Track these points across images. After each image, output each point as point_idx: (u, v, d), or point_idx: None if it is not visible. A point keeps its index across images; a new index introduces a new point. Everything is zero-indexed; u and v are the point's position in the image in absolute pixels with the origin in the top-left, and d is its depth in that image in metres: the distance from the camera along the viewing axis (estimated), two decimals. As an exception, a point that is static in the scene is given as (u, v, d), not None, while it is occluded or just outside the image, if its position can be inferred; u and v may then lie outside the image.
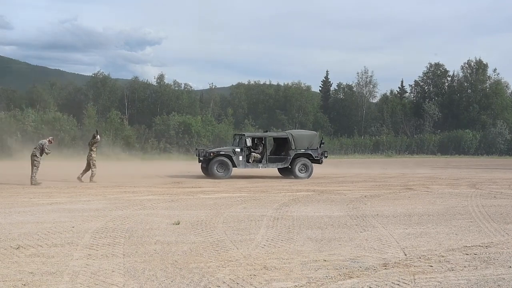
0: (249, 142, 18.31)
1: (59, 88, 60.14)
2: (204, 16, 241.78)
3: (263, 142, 18.89)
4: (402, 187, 15.14)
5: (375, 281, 4.92)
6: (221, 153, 18.06)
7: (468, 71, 67.82)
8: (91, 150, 16.16)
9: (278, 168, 19.21)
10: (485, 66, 66.95)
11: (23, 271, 5.11)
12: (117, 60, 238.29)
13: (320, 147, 19.13)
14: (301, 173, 18.48)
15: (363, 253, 6.12)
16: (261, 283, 4.79)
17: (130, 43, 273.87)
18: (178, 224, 7.95)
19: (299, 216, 9.02)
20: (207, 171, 18.13)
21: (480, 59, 67.31)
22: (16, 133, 37.49)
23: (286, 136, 18.87)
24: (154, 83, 62.80)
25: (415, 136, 62.03)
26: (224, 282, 4.80)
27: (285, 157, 18.72)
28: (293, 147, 18.51)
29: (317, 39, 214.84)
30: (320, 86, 73.73)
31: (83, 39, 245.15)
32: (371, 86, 68.47)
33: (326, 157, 19.46)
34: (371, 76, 68.34)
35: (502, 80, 68.19)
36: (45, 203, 10.59)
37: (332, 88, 72.42)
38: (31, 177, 14.85)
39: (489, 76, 67.50)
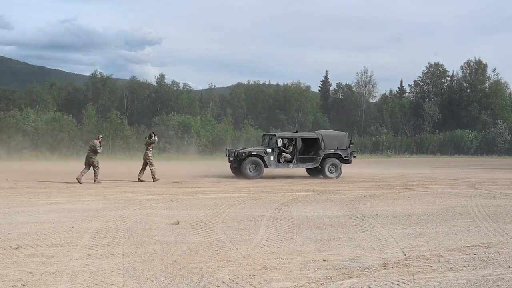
0: (280, 143, 18.46)
1: (59, 88, 60.13)
2: (204, 16, 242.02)
3: (293, 142, 19.03)
4: (401, 187, 15.15)
5: (375, 281, 4.92)
6: (253, 153, 18.22)
7: (468, 71, 67.92)
8: (147, 150, 16.68)
9: (306, 168, 19.38)
10: (485, 66, 67.07)
11: (23, 271, 5.11)
12: (117, 60, 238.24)
13: (349, 147, 19.27)
14: (331, 173, 18.65)
15: (362, 253, 6.12)
16: (261, 283, 4.79)
17: (130, 43, 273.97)
18: (178, 224, 7.95)
19: (298, 216, 9.02)
20: (239, 171, 18.29)
21: (479, 59, 67.50)
22: (16, 133, 37.52)
23: (316, 137, 19.00)
24: (154, 83, 62.90)
25: (414, 136, 62.07)
26: (223, 282, 4.80)
27: (315, 157, 18.85)
28: (323, 148, 18.64)
29: (316, 39, 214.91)
30: (319, 86, 73.87)
31: (83, 39, 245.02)
32: (371, 86, 68.75)
33: (355, 157, 19.69)
34: (370, 76, 68.63)
35: (502, 80, 68.38)
36: (45, 203, 10.59)
37: (331, 88, 72.60)
38: (94, 176, 15.61)
39: (488, 76, 67.63)
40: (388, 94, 71.72)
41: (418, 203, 11.12)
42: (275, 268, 5.34)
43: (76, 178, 15.45)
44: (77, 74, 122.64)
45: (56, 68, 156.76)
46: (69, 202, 10.86)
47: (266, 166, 18.17)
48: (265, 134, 21.38)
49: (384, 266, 5.50)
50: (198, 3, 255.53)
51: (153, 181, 16.23)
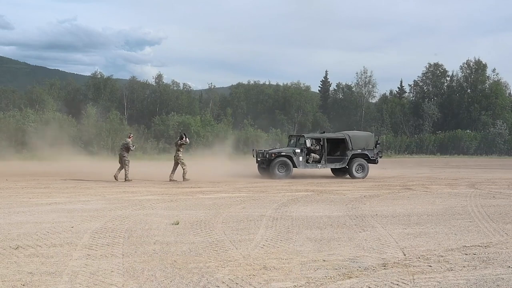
0: (308, 143, 18.66)
1: (59, 88, 60.11)
2: (204, 16, 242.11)
3: (321, 143, 19.16)
4: (401, 187, 15.15)
5: (374, 281, 4.92)
6: (282, 154, 18.40)
7: (467, 71, 67.91)
8: (178, 150, 16.97)
9: (331, 168, 19.61)
10: (484, 66, 67.05)
11: (22, 271, 5.11)
12: (117, 60, 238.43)
13: (375, 147, 19.47)
14: (358, 173, 18.88)
15: (362, 253, 6.12)
16: (260, 283, 4.79)
17: (130, 43, 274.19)
18: (177, 224, 7.95)
19: (298, 216, 9.02)
20: (267, 172, 18.45)
21: (479, 59, 67.47)
22: (16, 133, 37.50)
23: (344, 137, 19.22)
24: (153, 83, 62.94)
25: (414, 136, 62.06)
26: (223, 282, 4.80)
27: (342, 158, 19.08)
28: (350, 148, 18.89)
29: (316, 39, 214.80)
30: (319, 86, 73.83)
31: (82, 39, 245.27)
32: (370, 86, 68.63)
33: (381, 157, 19.96)
34: (370, 76, 68.51)
35: (502, 80, 68.38)
36: (44, 203, 10.58)
37: (331, 88, 72.54)
38: (125, 174, 16.09)
39: (488, 76, 67.62)
40: (388, 94, 71.72)
41: (418, 203, 11.12)
42: (275, 268, 5.34)
43: (114, 176, 16.09)
44: (77, 74, 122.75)
45: (56, 68, 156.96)
46: (68, 202, 10.86)
47: (295, 166, 18.39)
48: (291, 135, 21.76)
49: (384, 266, 5.50)
50: (198, 3, 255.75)
51: (183, 180, 16.47)
